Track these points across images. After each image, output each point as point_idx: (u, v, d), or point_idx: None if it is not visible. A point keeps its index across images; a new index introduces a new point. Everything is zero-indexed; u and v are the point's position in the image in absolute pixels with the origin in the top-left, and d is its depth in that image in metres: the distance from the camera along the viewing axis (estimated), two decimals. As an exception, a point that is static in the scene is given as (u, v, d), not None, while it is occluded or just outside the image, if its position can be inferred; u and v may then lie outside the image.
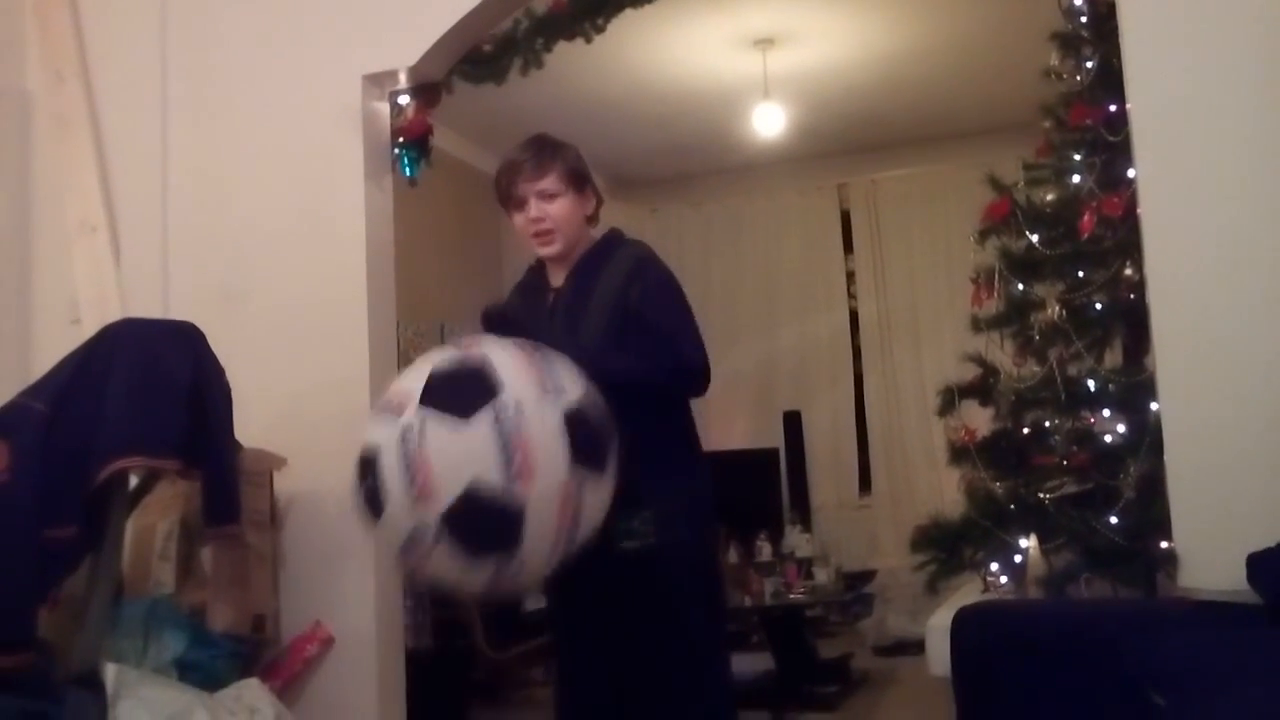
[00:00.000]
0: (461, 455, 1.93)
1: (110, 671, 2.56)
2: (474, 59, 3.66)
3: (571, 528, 2.02)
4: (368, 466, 2.04)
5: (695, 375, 2.41)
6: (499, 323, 2.53)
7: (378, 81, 3.59)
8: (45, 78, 3.93)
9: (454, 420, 1.94)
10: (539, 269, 2.60)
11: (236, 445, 2.91)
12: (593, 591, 2.41)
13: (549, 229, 2.47)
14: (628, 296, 2.42)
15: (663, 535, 2.38)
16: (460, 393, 1.97)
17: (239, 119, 3.69)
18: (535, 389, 1.99)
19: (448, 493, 1.92)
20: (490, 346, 2.09)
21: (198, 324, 2.86)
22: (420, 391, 2.00)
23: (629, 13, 3.63)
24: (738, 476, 6.29)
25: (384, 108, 3.63)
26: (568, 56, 3.77)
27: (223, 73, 3.74)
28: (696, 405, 2.54)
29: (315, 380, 3.43)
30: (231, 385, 2.87)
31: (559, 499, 1.97)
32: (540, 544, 1.99)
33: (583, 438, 2.00)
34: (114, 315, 3.39)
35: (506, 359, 2.03)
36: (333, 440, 3.36)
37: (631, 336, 2.39)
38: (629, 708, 2.39)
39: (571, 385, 2.06)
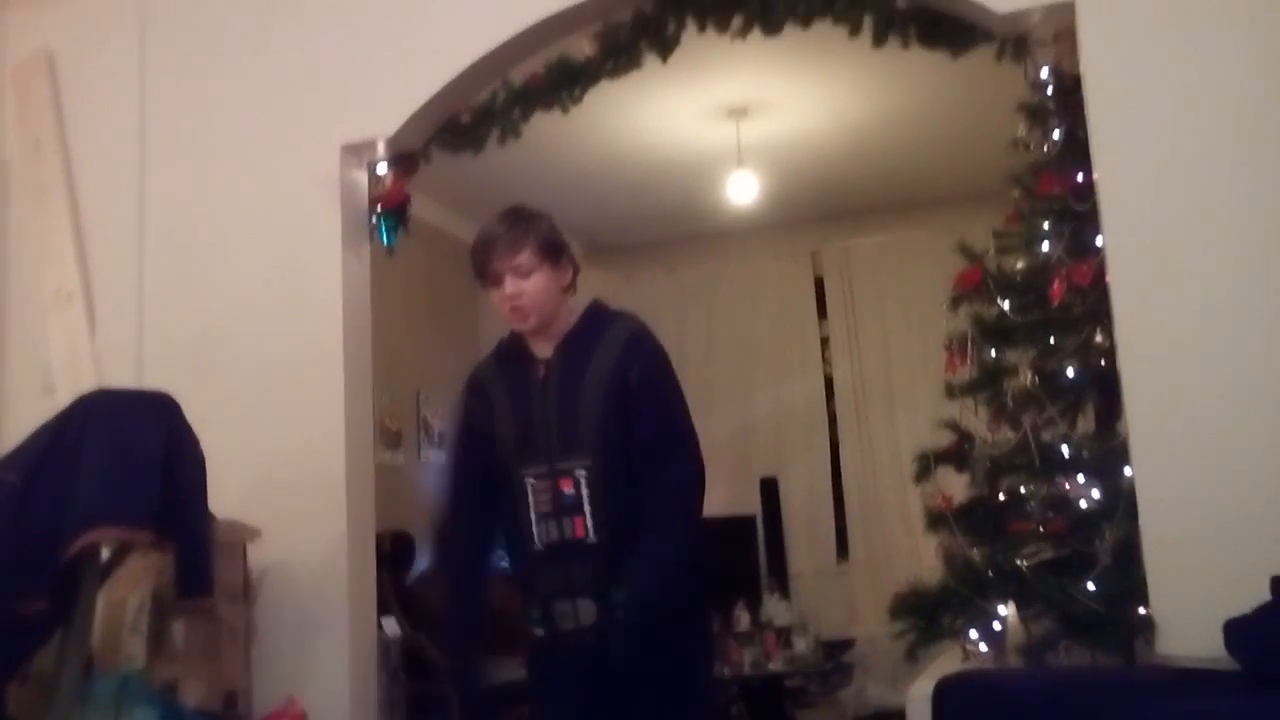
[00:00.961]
0: None
1: (78, 749, 2.51)
2: (452, 129, 3.70)
3: None
4: None
5: (700, 479, 2.44)
6: (480, 394, 2.55)
7: (356, 151, 3.62)
8: (22, 146, 3.95)
9: None
10: (516, 339, 2.59)
11: (210, 516, 2.88)
12: (587, 662, 2.37)
13: (523, 305, 2.46)
14: (626, 373, 2.41)
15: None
16: None
17: (217, 187, 3.71)
18: None
19: None
20: None
21: (172, 392, 2.84)
22: None
23: (605, 84, 3.68)
24: (714, 544, 6.22)
25: (362, 177, 3.66)
26: (545, 126, 3.81)
27: (201, 142, 3.76)
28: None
29: (290, 449, 3.41)
30: (206, 453, 2.85)
31: None
32: None
33: None
34: (88, 384, 3.37)
35: None
36: (307, 509, 3.35)
37: (630, 416, 2.39)
38: None
39: None
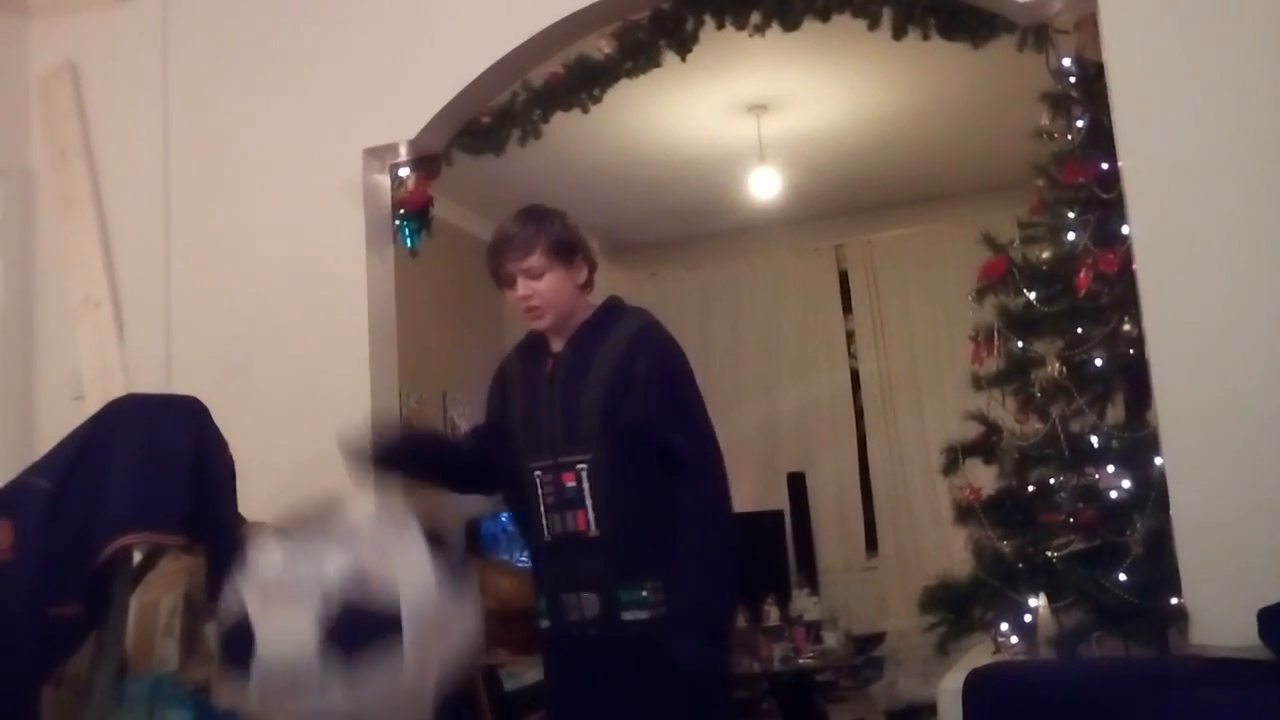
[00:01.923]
0: None
1: (114, 751, 2.53)
2: (473, 131, 3.71)
3: None
4: None
5: (722, 476, 2.44)
6: (501, 386, 2.60)
7: (378, 155, 3.64)
8: (49, 157, 3.99)
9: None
10: (540, 332, 2.61)
11: (240, 519, 2.90)
12: (595, 664, 2.38)
13: (536, 305, 2.48)
14: (632, 365, 2.41)
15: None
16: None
17: (241, 193, 3.73)
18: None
19: None
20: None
21: (201, 397, 2.87)
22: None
23: (625, 83, 3.68)
24: (743, 540, 6.24)
25: (385, 180, 3.67)
26: (565, 126, 3.81)
27: (225, 148, 3.79)
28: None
29: (318, 451, 3.42)
30: (235, 457, 2.87)
31: None
32: None
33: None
34: (117, 390, 3.40)
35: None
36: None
37: (636, 405, 2.39)
38: None
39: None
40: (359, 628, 1.77)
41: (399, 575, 1.82)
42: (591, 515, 2.39)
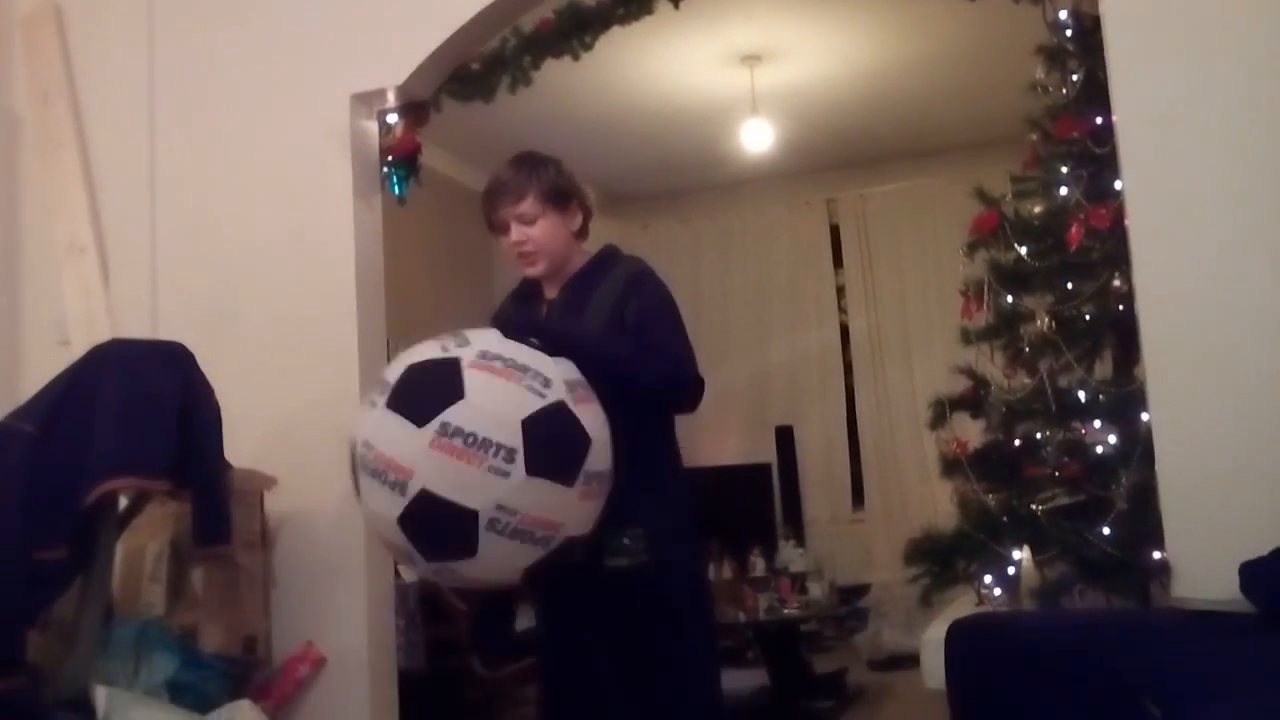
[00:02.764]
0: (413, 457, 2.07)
1: (100, 694, 2.54)
2: (462, 77, 3.66)
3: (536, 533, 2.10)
4: (351, 456, 2.23)
5: (684, 387, 2.39)
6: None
7: (366, 101, 3.59)
8: (32, 99, 3.93)
9: (408, 424, 2.09)
10: (534, 280, 2.60)
11: (226, 465, 2.90)
12: (579, 610, 2.40)
13: (531, 251, 2.47)
14: (624, 310, 2.41)
15: (654, 552, 2.36)
16: (421, 394, 2.11)
17: (227, 139, 3.69)
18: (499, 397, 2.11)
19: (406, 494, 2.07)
20: (477, 347, 2.19)
21: (187, 344, 2.85)
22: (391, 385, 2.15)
23: (616, 30, 3.63)
24: (730, 492, 6.29)
25: (372, 127, 3.63)
26: (556, 74, 3.77)
27: (211, 93, 3.74)
28: (689, 421, 2.53)
29: (305, 399, 3.42)
30: (221, 405, 2.86)
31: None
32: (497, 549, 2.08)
33: (538, 444, 2.07)
34: (102, 336, 3.38)
35: (480, 372, 2.13)
36: (323, 459, 3.36)
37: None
38: None
39: (545, 390, 2.14)
40: (561, 433, 2.12)
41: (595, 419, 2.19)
42: None
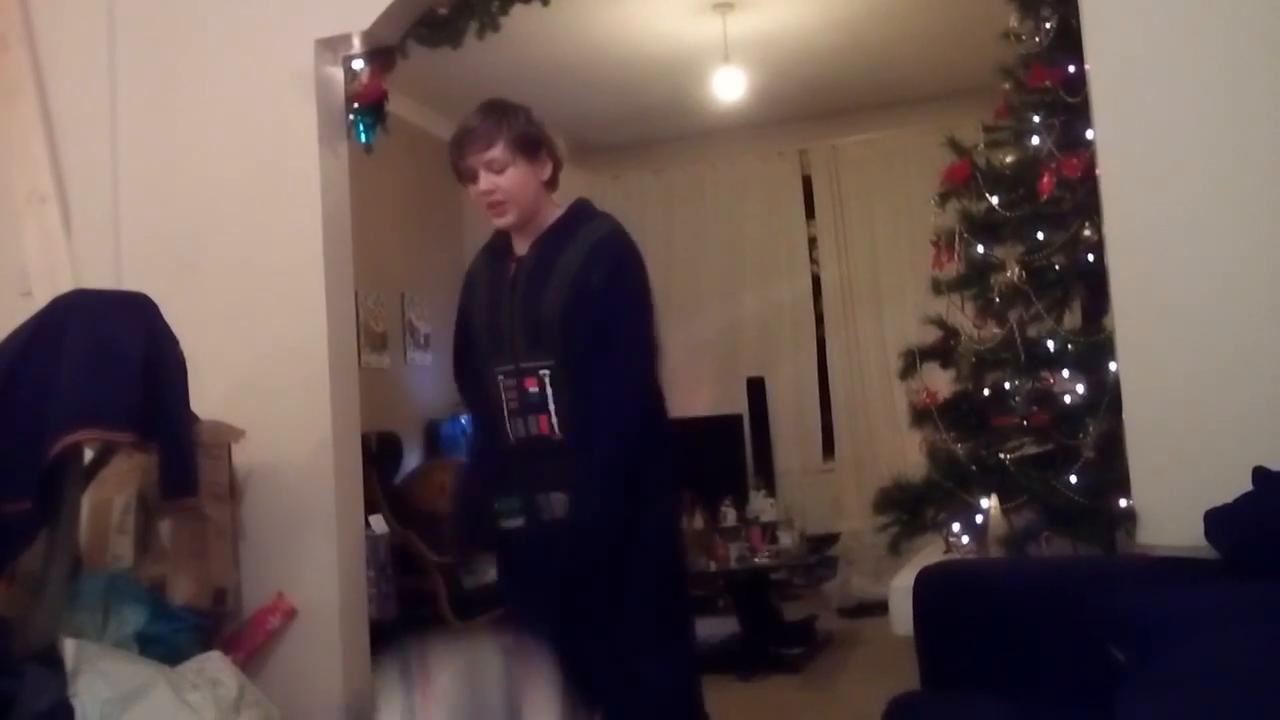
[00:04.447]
0: None
1: (69, 646, 2.52)
2: (429, 22, 3.59)
3: None
4: None
5: (636, 432, 2.38)
6: (468, 290, 2.57)
7: (331, 46, 3.53)
8: (-12, 44, 3.83)
9: None
10: (505, 233, 2.56)
11: (193, 417, 2.87)
12: (552, 559, 2.40)
13: (499, 200, 2.43)
14: (590, 272, 2.38)
15: (632, 504, 2.36)
16: None
17: (190, 85, 3.62)
18: None
19: None
20: None
21: (151, 294, 2.81)
22: None
23: (587, -25, 3.58)
24: (702, 443, 6.30)
25: (338, 73, 3.57)
26: (525, 20, 3.71)
27: (173, 38, 3.66)
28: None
29: (272, 350, 3.38)
30: (187, 356, 2.83)
31: None
32: None
33: None
34: (65, 286, 3.33)
35: None
36: (291, 411, 3.34)
37: (590, 321, 2.36)
38: (594, 676, 2.38)
39: None
40: None
41: None
42: (555, 419, 2.39)
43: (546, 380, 2.39)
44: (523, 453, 2.43)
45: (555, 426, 2.39)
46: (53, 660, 2.49)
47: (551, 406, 2.39)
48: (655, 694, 2.39)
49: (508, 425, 2.44)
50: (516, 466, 2.45)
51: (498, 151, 2.41)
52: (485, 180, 2.42)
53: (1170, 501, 2.67)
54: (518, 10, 3.60)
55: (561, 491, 2.37)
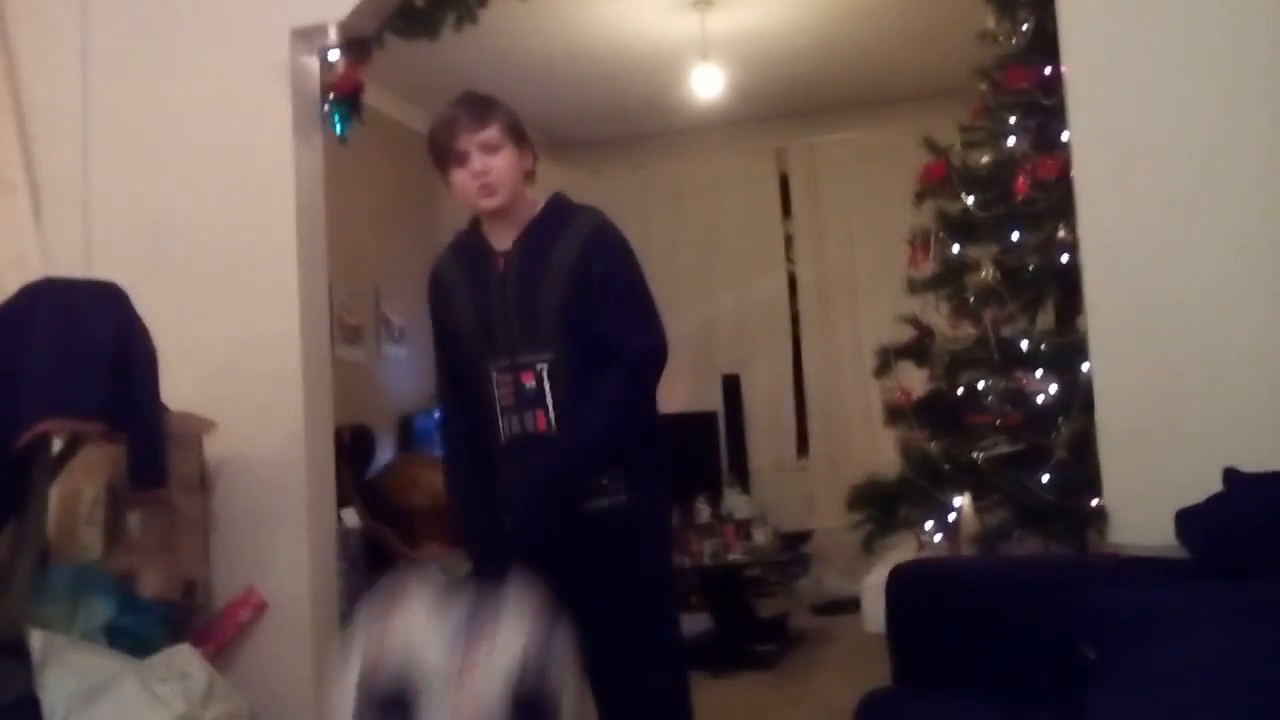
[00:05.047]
0: None
1: (36, 638, 2.50)
2: (406, 13, 3.57)
3: None
4: None
5: (663, 354, 2.41)
6: (440, 288, 2.52)
7: (307, 36, 3.50)
8: (-42, 29, 3.79)
9: None
10: (474, 231, 2.53)
11: (163, 408, 2.85)
12: (558, 553, 2.33)
13: (492, 181, 2.40)
14: (589, 266, 2.37)
15: (633, 493, 2.37)
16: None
17: (163, 73, 3.58)
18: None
19: None
20: (409, 634, 1.98)
21: (122, 284, 2.78)
22: None
23: (566, -31, 3.57)
24: (677, 439, 6.26)
25: (313, 63, 3.55)
26: (503, 13, 3.70)
27: (146, 25, 3.62)
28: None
29: (244, 341, 3.36)
30: (158, 346, 2.80)
31: None
32: None
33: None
34: (34, 275, 3.27)
35: (429, 648, 1.95)
36: (263, 403, 3.32)
37: (593, 307, 2.36)
38: (591, 668, 2.35)
39: (509, 648, 1.96)
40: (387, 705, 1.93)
41: (406, 644, 1.97)
42: (551, 414, 2.37)
43: (544, 374, 2.37)
44: (515, 451, 2.41)
45: (552, 421, 2.38)
46: (20, 652, 2.46)
47: (549, 401, 2.37)
48: (656, 693, 2.40)
49: (499, 423, 2.42)
50: (505, 465, 2.43)
51: (492, 133, 2.39)
52: (479, 161, 2.39)
53: (1141, 501, 2.69)
54: (496, 4, 3.59)
55: None
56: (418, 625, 1.99)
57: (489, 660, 1.93)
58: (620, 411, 2.35)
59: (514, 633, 1.97)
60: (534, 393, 2.38)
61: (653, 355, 2.40)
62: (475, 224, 2.53)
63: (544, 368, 2.37)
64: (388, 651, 1.96)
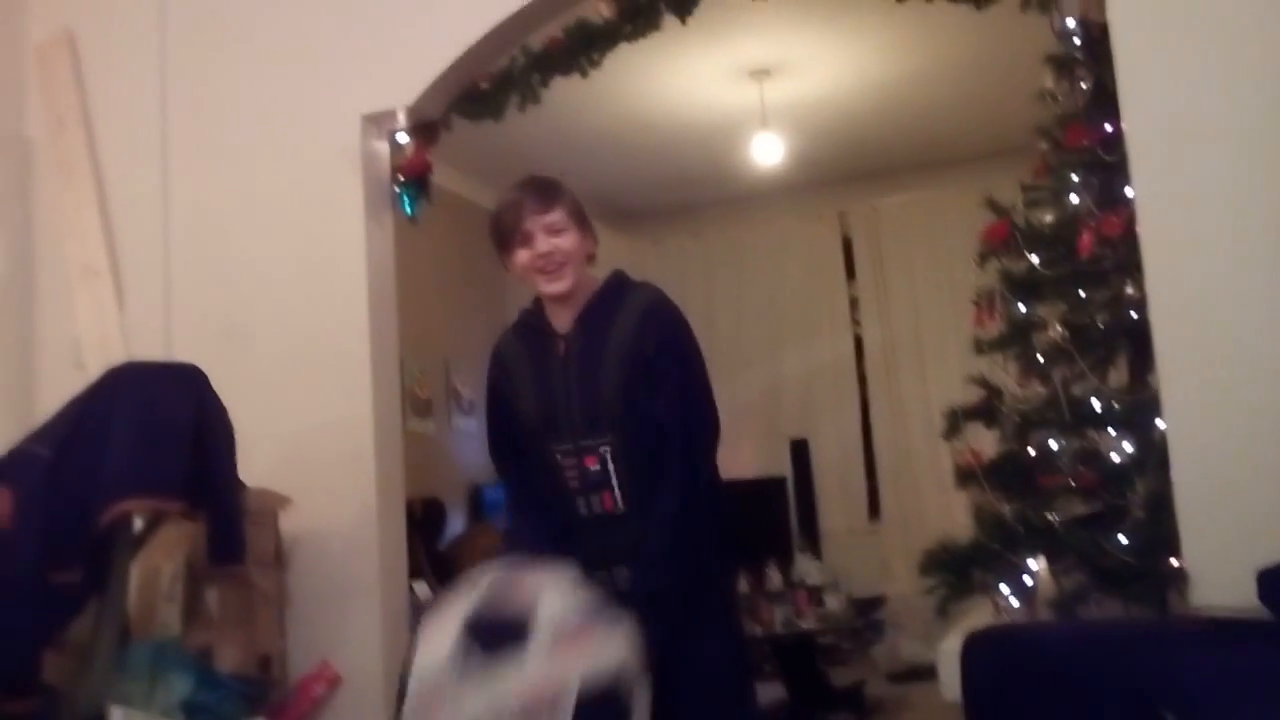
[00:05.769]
0: None
1: (117, 715, 2.55)
2: (472, 96, 3.68)
3: None
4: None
5: (716, 438, 2.41)
6: (502, 367, 2.54)
7: (376, 121, 3.61)
8: (47, 124, 3.97)
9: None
10: (537, 311, 2.54)
11: (240, 485, 2.91)
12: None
13: (560, 262, 2.41)
14: (643, 344, 2.38)
15: (687, 569, 2.33)
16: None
17: (239, 161, 3.72)
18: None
19: None
20: (541, 587, 2.09)
21: (201, 365, 2.87)
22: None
23: (624, 47, 3.64)
24: (746, 505, 6.25)
25: (383, 147, 3.66)
26: (565, 91, 3.79)
27: (222, 115, 3.77)
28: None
29: (319, 419, 3.43)
30: (235, 425, 2.87)
31: None
32: None
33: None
34: (117, 358, 3.40)
35: (555, 605, 2.04)
36: (337, 479, 3.38)
37: (651, 385, 2.36)
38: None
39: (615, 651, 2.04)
40: (495, 629, 2.00)
41: (536, 589, 2.07)
42: (618, 494, 2.38)
43: (607, 456, 2.37)
44: (589, 527, 2.42)
45: (619, 501, 2.38)
46: (102, 728, 2.51)
47: (614, 482, 2.38)
48: None
49: (577, 501, 2.43)
50: (583, 541, 2.42)
51: (557, 215, 2.41)
52: (544, 242, 2.40)
53: (1222, 560, 2.62)
54: (557, 82, 3.67)
55: (624, 565, 2.34)
56: (552, 582, 2.10)
57: (596, 645, 2.01)
58: (685, 523, 2.33)
59: (623, 645, 2.05)
60: (599, 476, 2.38)
61: (704, 434, 2.40)
62: (538, 303, 2.54)
63: (607, 450, 2.37)
64: (519, 590, 2.06)
